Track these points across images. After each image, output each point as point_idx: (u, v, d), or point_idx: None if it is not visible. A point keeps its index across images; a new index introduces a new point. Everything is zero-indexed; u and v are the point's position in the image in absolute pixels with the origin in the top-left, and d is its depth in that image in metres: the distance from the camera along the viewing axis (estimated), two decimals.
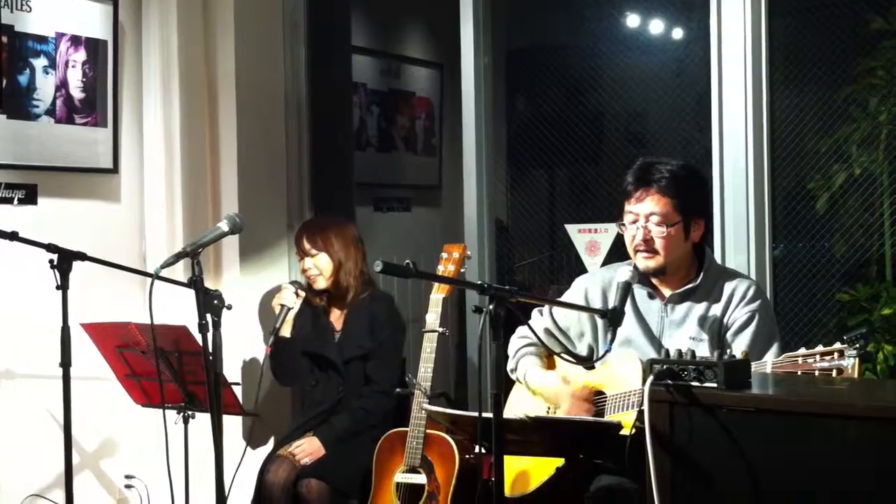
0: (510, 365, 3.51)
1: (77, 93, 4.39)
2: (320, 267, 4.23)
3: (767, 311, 3.25)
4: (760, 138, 3.82)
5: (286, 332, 4.22)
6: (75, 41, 4.37)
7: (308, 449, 4.09)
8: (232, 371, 4.34)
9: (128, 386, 4.06)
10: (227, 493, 3.30)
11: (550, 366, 3.47)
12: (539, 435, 3.05)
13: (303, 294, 4.24)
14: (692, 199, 3.24)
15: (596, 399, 3.28)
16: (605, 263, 4.20)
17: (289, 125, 4.91)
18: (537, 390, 3.41)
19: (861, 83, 3.84)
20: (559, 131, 4.57)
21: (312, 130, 4.98)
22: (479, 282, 2.73)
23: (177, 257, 3.28)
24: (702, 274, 3.26)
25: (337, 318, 4.31)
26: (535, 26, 5.10)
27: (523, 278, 4.98)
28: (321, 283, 4.25)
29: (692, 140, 4.23)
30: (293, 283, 4.30)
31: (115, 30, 4.48)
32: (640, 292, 3.30)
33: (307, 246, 4.25)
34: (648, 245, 3.21)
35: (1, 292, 4.18)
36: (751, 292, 3.21)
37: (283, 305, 4.20)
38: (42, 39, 4.26)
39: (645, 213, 3.21)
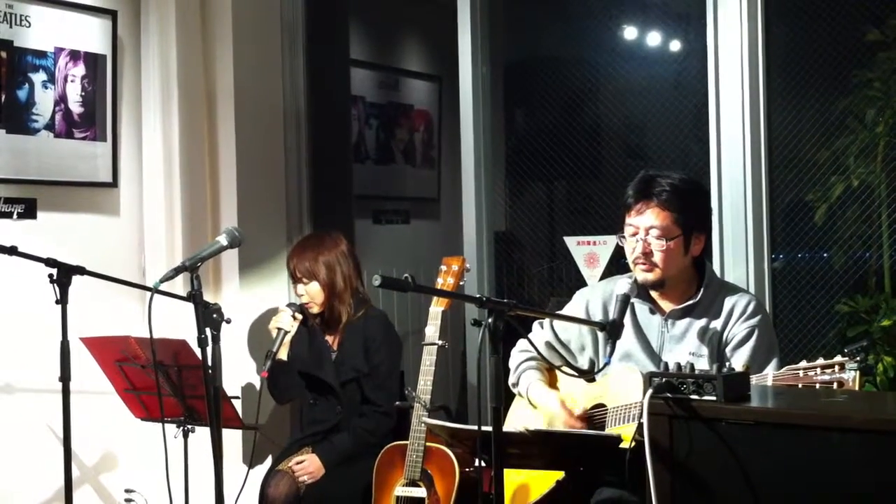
0: (512, 379, 3.49)
1: (76, 107, 4.40)
2: (312, 294, 4.20)
3: (767, 327, 3.25)
4: (758, 150, 3.83)
5: (283, 355, 4.15)
6: (74, 56, 4.38)
7: (309, 468, 4.08)
8: (231, 385, 4.33)
9: (127, 400, 4.07)
10: None
11: (552, 379, 3.46)
12: (539, 448, 3.05)
13: (300, 317, 4.16)
14: (693, 214, 3.23)
15: (596, 412, 3.27)
16: (604, 275, 4.20)
17: (288, 138, 4.92)
18: (538, 406, 3.41)
19: (858, 95, 3.85)
20: (558, 143, 4.57)
21: (311, 143, 4.98)
22: (477, 295, 2.73)
23: (176, 271, 3.28)
24: (702, 289, 3.25)
25: (332, 338, 4.29)
26: (533, 39, 5.10)
27: (532, 293, 4.96)
28: (315, 311, 4.24)
29: (690, 152, 4.23)
30: (290, 305, 4.20)
31: (114, 44, 4.49)
32: (641, 307, 3.30)
33: (298, 274, 4.22)
34: (647, 258, 3.20)
35: (0, 307, 4.18)
36: (751, 307, 3.21)
37: (279, 329, 4.10)
38: (41, 54, 4.27)
39: (645, 226, 3.20)
